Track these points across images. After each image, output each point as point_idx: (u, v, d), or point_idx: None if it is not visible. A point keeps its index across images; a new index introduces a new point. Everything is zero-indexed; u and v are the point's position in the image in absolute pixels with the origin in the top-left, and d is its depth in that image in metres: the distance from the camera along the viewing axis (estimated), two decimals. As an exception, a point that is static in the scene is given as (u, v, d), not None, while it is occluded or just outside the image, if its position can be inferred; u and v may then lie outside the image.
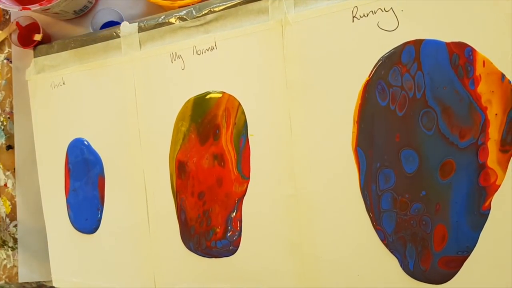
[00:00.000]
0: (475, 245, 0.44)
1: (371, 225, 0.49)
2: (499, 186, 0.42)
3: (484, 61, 0.42)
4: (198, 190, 0.59)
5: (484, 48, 0.43)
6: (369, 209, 0.49)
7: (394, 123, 0.47)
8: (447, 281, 0.45)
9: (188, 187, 0.60)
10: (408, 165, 0.47)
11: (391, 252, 0.48)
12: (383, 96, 0.47)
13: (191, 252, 0.60)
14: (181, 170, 0.61)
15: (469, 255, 0.44)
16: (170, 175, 0.61)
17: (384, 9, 0.47)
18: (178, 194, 0.61)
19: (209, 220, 0.59)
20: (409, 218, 0.47)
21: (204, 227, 0.59)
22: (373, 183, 0.49)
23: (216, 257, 0.59)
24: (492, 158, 0.43)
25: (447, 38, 0.44)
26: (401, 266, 0.48)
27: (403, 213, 0.47)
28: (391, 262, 0.48)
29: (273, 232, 0.54)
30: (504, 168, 0.42)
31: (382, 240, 0.48)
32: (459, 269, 0.45)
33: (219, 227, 0.58)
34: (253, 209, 0.56)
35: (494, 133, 0.43)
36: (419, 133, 0.46)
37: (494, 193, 0.43)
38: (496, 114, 0.43)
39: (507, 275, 0.43)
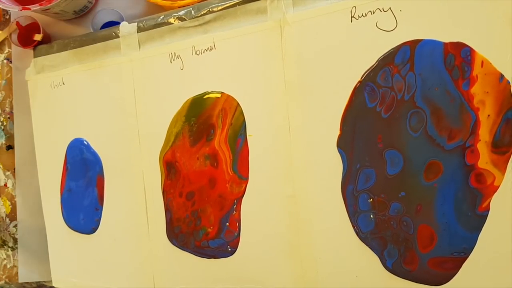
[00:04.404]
0: (473, 246, 0.44)
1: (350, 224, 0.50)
2: (497, 187, 0.42)
3: (482, 61, 0.42)
4: (187, 191, 0.60)
5: (483, 48, 0.42)
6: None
7: (377, 124, 0.48)
8: (445, 282, 0.45)
9: (177, 187, 0.60)
10: (393, 166, 0.47)
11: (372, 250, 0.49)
12: (373, 98, 0.48)
13: (186, 252, 0.60)
14: (170, 171, 0.61)
15: (467, 256, 0.44)
16: (160, 175, 0.62)
17: (383, 9, 0.47)
18: (165, 194, 0.61)
19: (198, 221, 0.59)
20: (388, 218, 0.47)
21: (192, 227, 0.59)
22: (351, 183, 0.49)
23: (215, 257, 0.58)
24: (484, 159, 0.43)
25: (446, 38, 0.44)
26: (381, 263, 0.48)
27: (382, 214, 0.48)
28: (375, 260, 0.49)
29: (272, 233, 0.54)
30: (503, 169, 0.42)
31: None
32: (458, 270, 0.44)
33: (211, 227, 0.58)
34: (252, 210, 0.56)
35: (485, 134, 0.43)
36: (403, 134, 0.46)
37: (492, 194, 0.42)
38: (488, 115, 0.42)
39: (508, 276, 0.42)
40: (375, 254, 0.49)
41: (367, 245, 0.49)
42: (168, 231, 0.62)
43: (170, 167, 0.61)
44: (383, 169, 0.47)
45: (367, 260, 0.49)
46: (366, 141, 0.48)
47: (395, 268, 0.48)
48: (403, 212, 0.47)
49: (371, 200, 0.48)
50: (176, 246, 0.61)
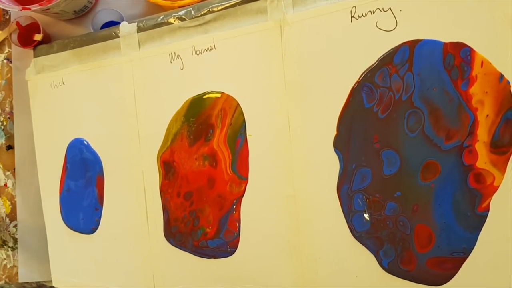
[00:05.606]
0: (473, 246, 0.43)
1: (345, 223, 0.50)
2: (497, 187, 0.42)
3: (482, 61, 0.42)
4: (185, 191, 0.60)
5: (483, 48, 0.42)
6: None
7: (374, 125, 0.48)
8: (445, 282, 0.45)
9: (175, 187, 0.60)
10: (389, 166, 0.47)
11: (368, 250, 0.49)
12: (371, 98, 0.48)
13: (186, 252, 0.60)
14: (167, 171, 0.61)
15: (467, 256, 0.44)
16: (158, 175, 0.62)
17: (383, 9, 0.47)
18: (162, 194, 0.61)
19: (196, 221, 0.59)
20: (384, 218, 0.48)
21: (190, 227, 0.59)
22: (346, 183, 0.49)
23: (214, 257, 0.58)
24: (483, 159, 0.43)
25: (446, 38, 0.44)
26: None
27: (377, 214, 0.48)
28: (371, 259, 0.49)
29: (272, 233, 0.54)
30: (502, 169, 0.42)
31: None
32: (458, 270, 0.44)
33: (210, 227, 0.58)
34: (252, 210, 0.55)
35: (483, 134, 0.43)
36: (400, 134, 0.46)
37: (492, 194, 0.42)
38: (487, 115, 0.42)
39: (509, 276, 0.42)
40: (371, 254, 0.49)
41: (362, 244, 0.49)
42: (165, 230, 0.62)
43: (167, 167, 0.61)
44: (380, 169, 0.47)
45: (364, 259, 0.49)
46: (362, 141, 0.48)
47: (391, 267, 0.48)
48: (399, 212, 0.47)
49: (366, 200, 0.48)
50: (174, 246, 0.61)
